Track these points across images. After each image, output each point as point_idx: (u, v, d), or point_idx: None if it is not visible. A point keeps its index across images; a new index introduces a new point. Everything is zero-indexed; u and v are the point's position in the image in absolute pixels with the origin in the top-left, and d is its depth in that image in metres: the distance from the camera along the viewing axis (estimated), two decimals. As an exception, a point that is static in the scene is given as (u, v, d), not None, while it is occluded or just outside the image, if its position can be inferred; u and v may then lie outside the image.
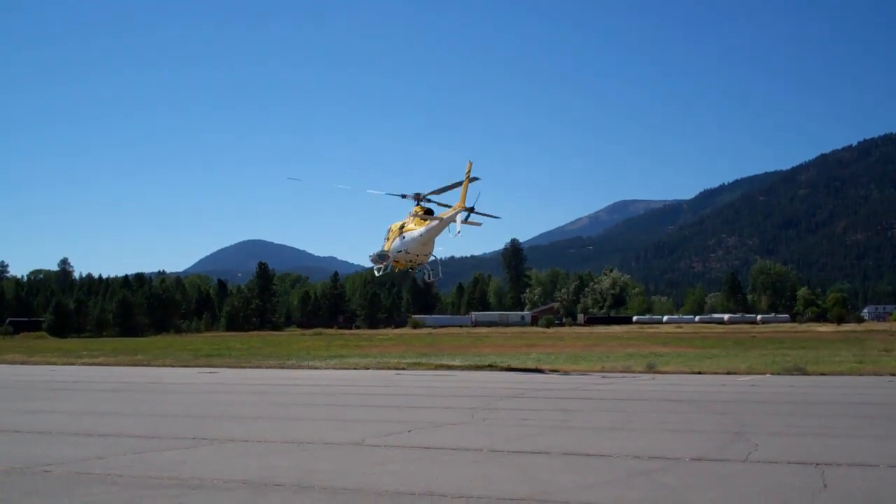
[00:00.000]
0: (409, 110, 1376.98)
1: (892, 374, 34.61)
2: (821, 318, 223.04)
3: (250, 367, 47.70)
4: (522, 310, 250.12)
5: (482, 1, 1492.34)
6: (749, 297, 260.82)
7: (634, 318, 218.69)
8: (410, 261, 47.22)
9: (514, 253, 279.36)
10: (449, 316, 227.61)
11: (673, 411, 22.07)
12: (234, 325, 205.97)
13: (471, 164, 42.15)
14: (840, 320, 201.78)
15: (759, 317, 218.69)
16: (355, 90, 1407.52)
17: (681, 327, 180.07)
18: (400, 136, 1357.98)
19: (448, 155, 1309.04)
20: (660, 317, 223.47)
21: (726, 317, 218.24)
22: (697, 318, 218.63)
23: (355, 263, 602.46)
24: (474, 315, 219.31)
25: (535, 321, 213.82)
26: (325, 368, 45.70)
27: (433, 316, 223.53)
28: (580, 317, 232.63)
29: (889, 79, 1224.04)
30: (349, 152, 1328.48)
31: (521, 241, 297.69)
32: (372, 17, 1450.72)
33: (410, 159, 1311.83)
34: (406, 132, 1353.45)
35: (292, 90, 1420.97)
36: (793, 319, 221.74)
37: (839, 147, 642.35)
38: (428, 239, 45.32)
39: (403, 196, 45.83)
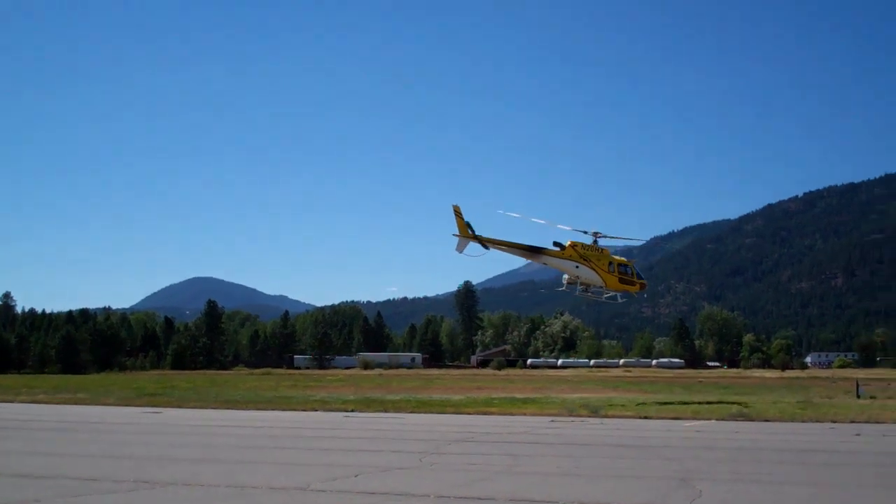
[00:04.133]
0: (349, 146, 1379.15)
1: (834, 421, 35.01)
2: (765, 364, 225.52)
3: (195, 408, 47.01)
4: (474, 352, 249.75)
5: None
6: (697, 342, 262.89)
7: (529, 362, 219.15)
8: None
9: (467, 295, 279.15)
10: (345, 357, 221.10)
11: (620, 457, 22.12)
12: (181, 363, 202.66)
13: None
14: (784, 367, 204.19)
15: (654, 362, 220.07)
16: (302, 126, 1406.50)
17: (630, 371, 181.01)
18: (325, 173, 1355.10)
19: (411, 187, 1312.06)
20: (586, 360, 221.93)
21: (621, 361, 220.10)
22: (592, 361, 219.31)
23: (306, 302, 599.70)
24: (361, 356, 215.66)
25: (425, 363, 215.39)
26: (272, 409, 45.16)
27: (340, 357, 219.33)
28: (473, 359, 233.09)
29: (832, 133, 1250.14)
30: (310, 185, 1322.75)
31: (474, 283, 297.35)
32: (289, 61, 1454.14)
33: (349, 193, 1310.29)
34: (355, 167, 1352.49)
35: (244, 127, 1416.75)
36: (737, 365, 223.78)
37: (785, 198, 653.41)
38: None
39: (585, 232, 54.38)
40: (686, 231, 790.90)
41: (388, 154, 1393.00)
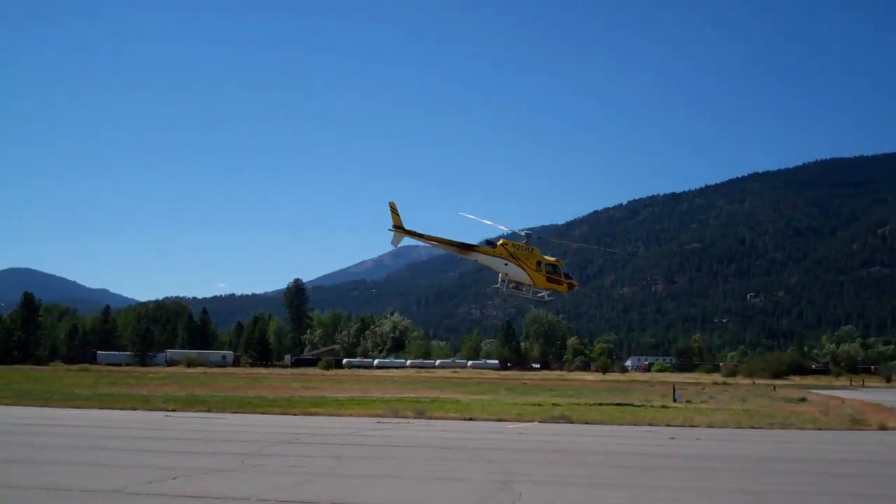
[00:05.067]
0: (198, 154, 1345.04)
1: (651, 425, 36.33)
2: (587, 366, 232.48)
3: (7, 405, 44.72)
4: (302, 352, 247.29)
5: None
6: (523, 344, 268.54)
7: (345, 361, 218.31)
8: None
9: (297, 293, 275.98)
10: (123, 353, 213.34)
11: (444, 459, 22.32)
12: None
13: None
14: (605, 370, 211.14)
15: (469, 363, 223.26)
16: (131, 113, 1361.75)
17: (456, 372, 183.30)
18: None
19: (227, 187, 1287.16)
20: (402, 361, 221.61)
21: (437, 362, 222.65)
22: (409, 362, 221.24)
23: (129, 297, 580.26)
24: (169, 353, 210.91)
25: (237, 361, 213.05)
26: (90, 408, 43.43)
27: (107, 352, 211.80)
28: (287, 357, 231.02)
29: (656, 145, 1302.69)
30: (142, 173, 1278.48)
31: (304, 281, 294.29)
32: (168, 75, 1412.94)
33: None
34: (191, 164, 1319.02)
35: (66, 112, 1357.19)
36: (547, 367, 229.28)
37: (610, 205, 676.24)
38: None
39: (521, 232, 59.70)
40: (512, 235, 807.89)
41: (217, 145, 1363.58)
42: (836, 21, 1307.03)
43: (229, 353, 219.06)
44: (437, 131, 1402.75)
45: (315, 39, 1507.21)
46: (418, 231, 54.24)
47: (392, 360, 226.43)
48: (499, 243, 56.54)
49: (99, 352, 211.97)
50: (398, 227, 53.05)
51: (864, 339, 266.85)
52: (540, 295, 58.14)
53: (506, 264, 55.59)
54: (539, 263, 56.06)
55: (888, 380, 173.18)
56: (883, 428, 36.43)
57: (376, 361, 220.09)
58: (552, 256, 58.36)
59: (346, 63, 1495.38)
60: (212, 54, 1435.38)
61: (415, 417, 38.40)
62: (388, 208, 52.86)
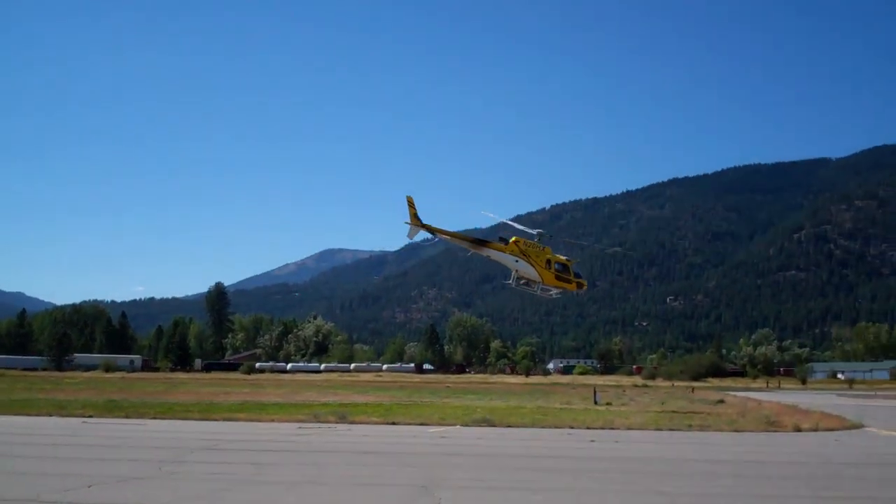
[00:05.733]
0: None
1: (571, 427, 36.71)
2: (511, 369, 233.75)
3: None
4: (224, 356, 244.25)
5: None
6: (446, 347, 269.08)
7: (257, 366, 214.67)
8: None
9: (219, 296, 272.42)
10: (14, 357, 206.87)
11: (365, 464, 22.28)
12: None
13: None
14: (528, 372, 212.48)
15: (384, 366, 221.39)
16: (46, 118, 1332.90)
17: (380, 375, 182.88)
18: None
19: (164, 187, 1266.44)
20: (317, 365, 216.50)
21: (352, 366, 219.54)
22: (322, 366, 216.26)
23: (45, 300, 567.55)
24: (77, 357, 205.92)
25: (146, 366, 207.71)
26: (5, 414, 42.29)
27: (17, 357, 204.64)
28: (198, 362, 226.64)
29: (578, 149, 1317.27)
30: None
31: (226, 284, 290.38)
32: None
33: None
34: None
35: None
36: (463, 370, 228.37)
37: (534, 209, 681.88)
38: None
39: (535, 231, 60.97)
40: (439, 239, 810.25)
41: (137, 147, 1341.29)
42: (755, 30, 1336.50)
43: (137, 358, 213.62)
44: (353, 128, 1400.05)
45: (216, 45, 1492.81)
46: (433, 225, 55.67)
47: (305, 364, 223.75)
48: (511, 240, 58.21)
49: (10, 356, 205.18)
50: (415, 221, 54.50)
51: (780, 341, 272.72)
52: (549, 292, 60.21)
53: (516, 261, 57.87)
54: (549, 262, 58.50)
55: (803, 381, 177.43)
56: (798, 429, 37.31)
57: (289, 366, 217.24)
58: (564, 256, 60.64)
59: (248, 66, 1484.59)
60: (112, 62, 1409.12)
61: (337, 422, 38.22)
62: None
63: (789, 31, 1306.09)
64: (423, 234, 54.80)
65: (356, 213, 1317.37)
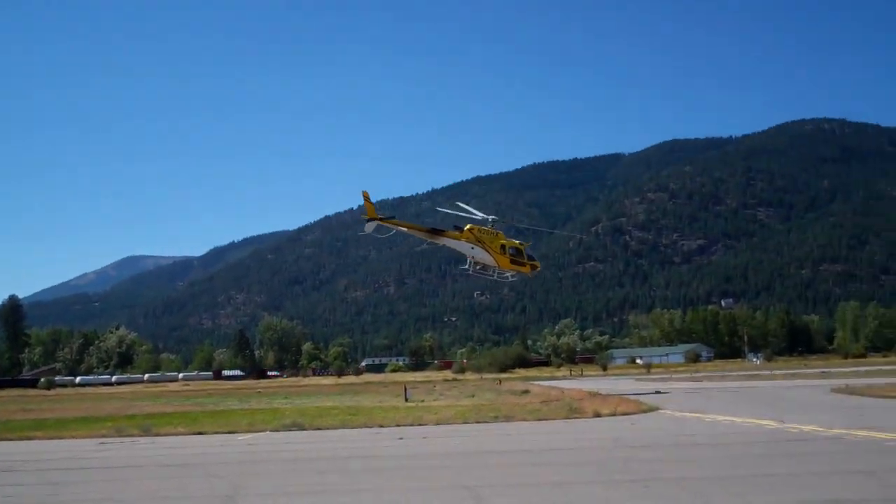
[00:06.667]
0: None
1: (381, 426, 36.97)
2: (324, 371, 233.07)
3: None
4: (21, 372, 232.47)
5: None
6: (257, 352, 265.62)
7: (42, 380, 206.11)
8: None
9: (13, 310, 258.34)
10: None
11: (170, 476, 21.81)
12: None
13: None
14: (340, 373, 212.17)
15: (180, 375, 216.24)
16: None
17: (188, 384, 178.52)
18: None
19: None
20: (108, 376, 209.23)
21: (146, 376, 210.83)
22: (114, 378, 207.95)
23: None
24: None
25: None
26: None
27: None
28: None
29: (382, 150, 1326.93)
30: None
31: (21, 296, 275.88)
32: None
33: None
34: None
35: None
36: (265, 375, 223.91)
37: (341, 210, 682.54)
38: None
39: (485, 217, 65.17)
40: (246, 242, 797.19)
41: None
42: (545, 30, 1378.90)
43: None
44: (151, 130, 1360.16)
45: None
46: (390, 218, 58.82)
47: (95, 377, 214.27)
48: (465, 228, 60.68)
49: None
50: (372, 215, 56.27)
51: (582, 330, 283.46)
52: (505, 276, 61.62)
53: (472, 248, 60.05)
54: (503, 247, 60.75)
55: (604, 368, 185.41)
56: (597, 415, 38.82)
57: (78, 379, 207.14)
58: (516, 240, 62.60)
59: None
60: None
61: (140, 435, 37.05)
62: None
63: (575, 32, 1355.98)
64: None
65: (158, 219, 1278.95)
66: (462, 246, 61.42)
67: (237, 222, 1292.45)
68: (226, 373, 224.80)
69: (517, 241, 63.62)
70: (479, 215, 64.33)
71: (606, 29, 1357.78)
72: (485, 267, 62.67)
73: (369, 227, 59.04)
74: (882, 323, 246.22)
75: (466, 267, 63.59)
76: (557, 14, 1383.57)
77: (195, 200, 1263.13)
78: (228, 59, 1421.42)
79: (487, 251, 61.13)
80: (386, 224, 59.72)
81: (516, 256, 62.26)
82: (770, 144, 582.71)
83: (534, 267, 65.15)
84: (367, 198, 57.46)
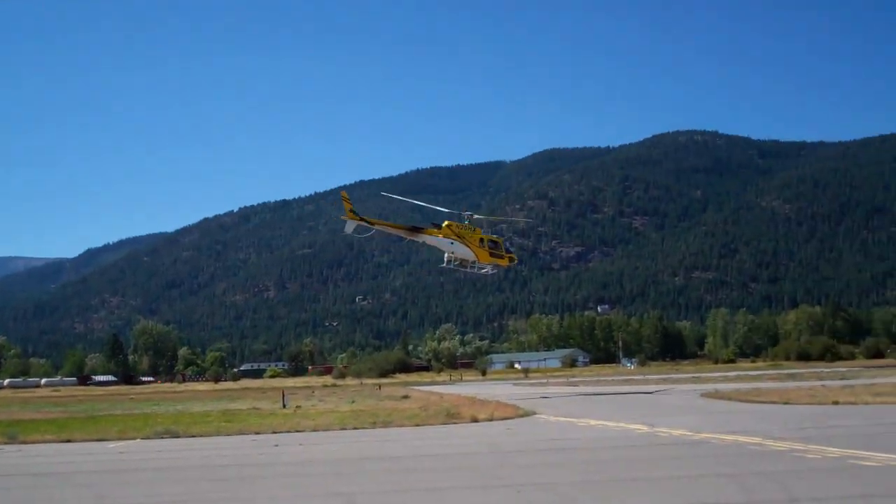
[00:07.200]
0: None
1: (257, 433, 36.49)
2: (200, 376, 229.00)
3: None
4: None
5: None
6: (131, 357, 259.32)
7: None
8: None
9: None
10: None
11: (35, 486, 21.21)
12: None
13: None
14: (217, 379, 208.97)
15: (43, 381, 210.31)
16: None
17: (58, 390, 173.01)
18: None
19: None
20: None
21: (6, 381, 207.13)
22: None
23: None
24: None
25: None
26: None
27: None
28: None
29: (265, 153, 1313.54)
30: None
31: None
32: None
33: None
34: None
35: None
36: (131, 380, 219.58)
37: (221, 212, 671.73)
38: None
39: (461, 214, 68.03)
40: (122, 243, 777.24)
41: None
42: (430, 34, 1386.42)
43: None
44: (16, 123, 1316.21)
45: None
46: (369, 218, 59.73)
47: None
48: (444, 224, 61.95)
49: None
50: (351, 215, 57.21)
51: (462, 335, 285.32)
52: (484, 270, 62.71)
53: (452, 243, 61.72)
54: (482, 240, 62.83)
55: (483, 373, 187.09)
56: (474, 420, 39.20)
57: None
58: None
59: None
60: None
61: (5, 443, 35.76)
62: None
63: (461, 38, 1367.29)
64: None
65: (29, 219, 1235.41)
66: (442, 242, 63.43)
67: (112, 223, 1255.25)
68: (98, 378, 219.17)
69: (494, 235, 66.18)
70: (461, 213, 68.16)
71: (489, 37, 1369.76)
72: (462, 262, 64.64)
73: (349, 226, 60.24)
74: (750, 329, 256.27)
75: (445, 263, 65.19)
76: (444, 21, 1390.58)
77: (68, 200, 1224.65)
78: (102, 57, 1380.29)
79: (467, 246, 63.26)
80: (366, 223, 60.98)
81: (495, 249, 64.97)
82: (646, 155, 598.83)
83: (511, 259, 67.85)
84: (346, 198, 58.85)
